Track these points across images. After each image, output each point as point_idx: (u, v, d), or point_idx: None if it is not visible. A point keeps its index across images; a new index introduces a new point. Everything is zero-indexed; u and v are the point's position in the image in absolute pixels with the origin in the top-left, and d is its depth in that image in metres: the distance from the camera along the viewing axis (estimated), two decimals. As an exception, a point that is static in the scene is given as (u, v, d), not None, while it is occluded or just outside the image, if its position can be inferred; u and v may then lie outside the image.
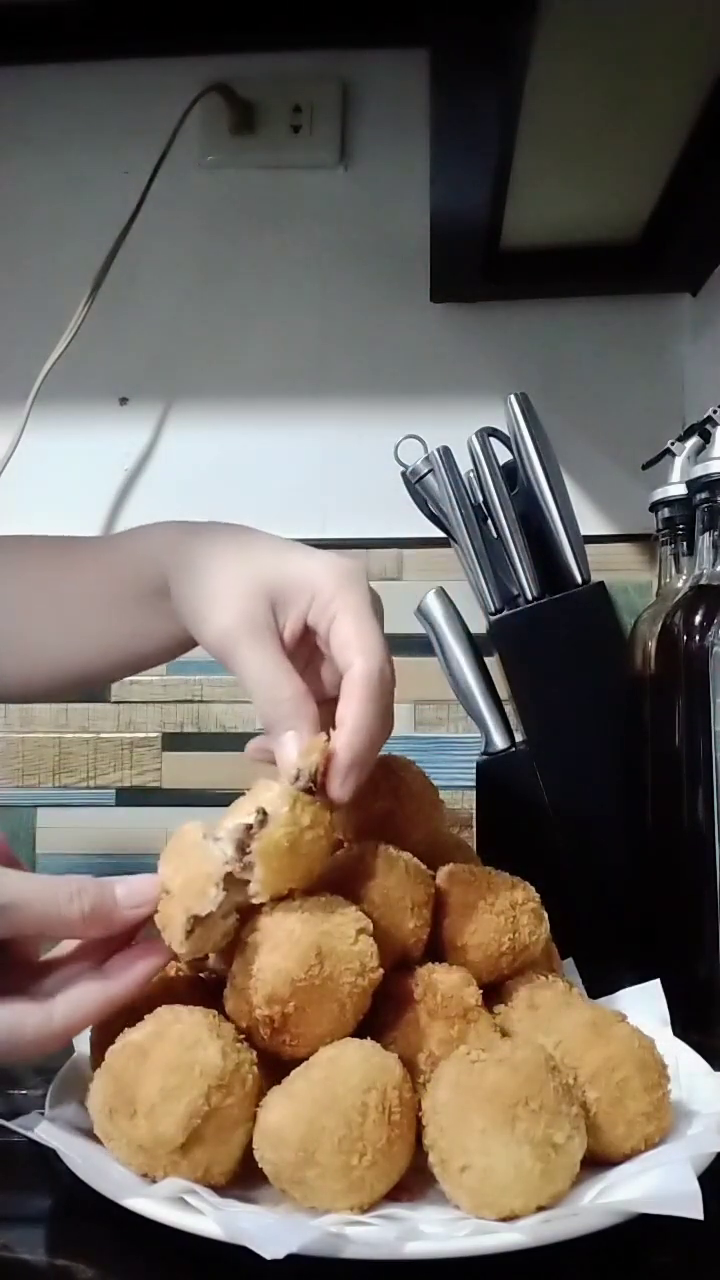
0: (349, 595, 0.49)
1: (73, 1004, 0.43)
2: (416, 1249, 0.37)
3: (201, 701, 0.98)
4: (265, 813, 0.44)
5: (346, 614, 0.48)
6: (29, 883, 0.44)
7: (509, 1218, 0.38)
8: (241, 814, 0.45)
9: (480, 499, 0.74)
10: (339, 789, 0.46)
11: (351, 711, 0.46)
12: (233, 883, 0.44)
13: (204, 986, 0.48)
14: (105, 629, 0.59)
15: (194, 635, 0.52)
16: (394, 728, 0.49)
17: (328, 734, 0.47)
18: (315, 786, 0.45)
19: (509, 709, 0.73)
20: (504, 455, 0.76)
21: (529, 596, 0.71)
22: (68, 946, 0.47)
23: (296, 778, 0.45)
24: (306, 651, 0.51)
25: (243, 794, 0.48)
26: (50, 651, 0.61)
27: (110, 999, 0.44)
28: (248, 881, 0.44)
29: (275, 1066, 0.43)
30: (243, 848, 0.44)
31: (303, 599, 0.49)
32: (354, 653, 0.47)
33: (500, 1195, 0.38)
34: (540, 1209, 0.39)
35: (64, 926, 0.44)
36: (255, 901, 0.44)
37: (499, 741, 0.72)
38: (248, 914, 0.45)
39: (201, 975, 0.49)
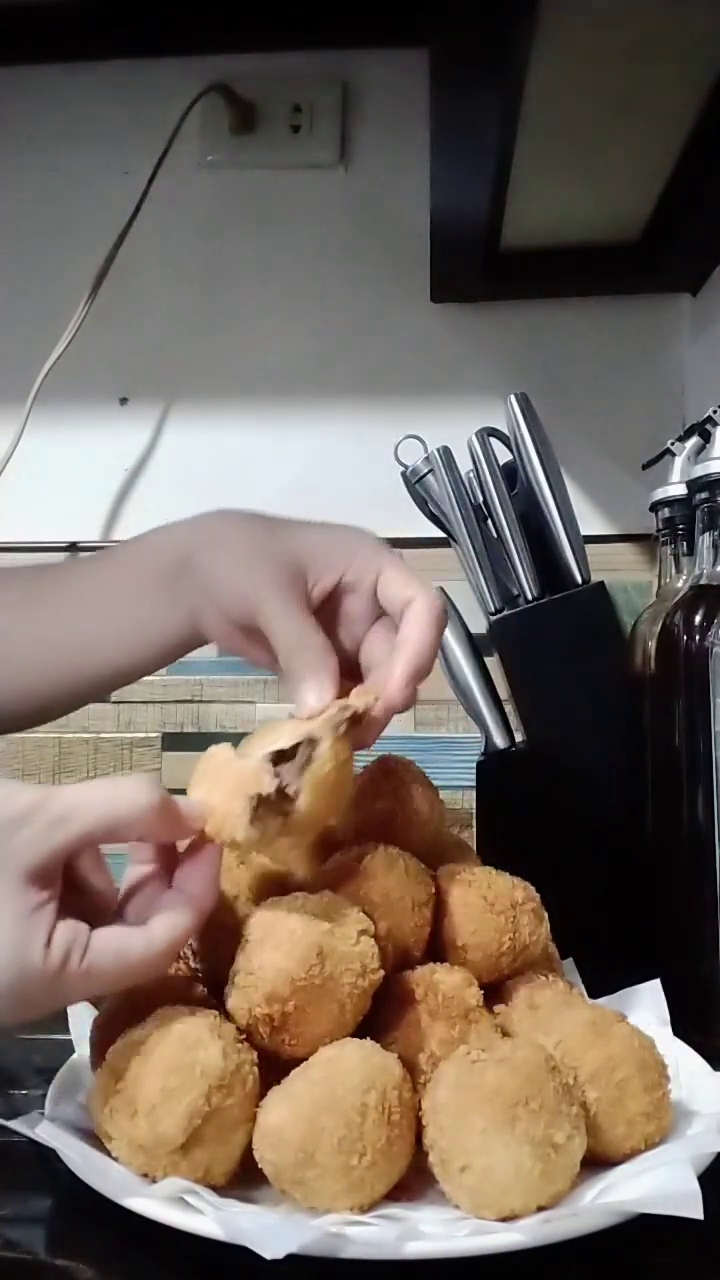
0: (387, 553, 0.54)
1: (167, 923, 0.43)
2: (416, 1249, 0.37)
3: (201, 701, 0.98)
4: (313, 742, 0.45)
5: (392, 566, 0.53)
6: (86, 786, 0.43)
7: (509, 1218, 0.38)
8: (269, 743, 0.46)
9: (480, 499, 0.74)
10: (401, 697, 0.49)
11: (415, 632, 0.50)
12: (268, 806, 0.44)
13: (204, 986, 0.48)
14: (109, 625, 0.59)
15: (216, 603, 0.54)
16: (401, 717, 0.52)
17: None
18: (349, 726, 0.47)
19: (509, 709, 0.73)
20: (504, 455, 0.76)
21: (529, 596, 0.71)
22: (133, 877, 0.46)
23: (339, 715, 0.46)
24: (327, 616, 0.54)
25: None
26: (41, 671, 0.61)
27: (200, 910, 0.44)
28: (284, 808, 0.45)
29: (276, 1067, 0.43)
30: (277, 773, 0.45)
31: (339, 561, 0.53)
32: (413, 590, 0.51)
33: (500, 1195, 0.38)
34: (540, 1209, 0.39)
35: (131, 820, 0.43)
36: (294, 826, 0.45)
37: (499, 741, 0.72)
38: (249, 913, 0.46)
39: (201, 976, 0.49)
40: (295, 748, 0.45)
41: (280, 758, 0.45)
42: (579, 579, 0.71)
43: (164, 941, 0.42)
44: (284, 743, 0.45)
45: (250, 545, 0.54)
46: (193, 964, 0.48)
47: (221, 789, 0.45)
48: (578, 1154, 0.40)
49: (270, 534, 0.54)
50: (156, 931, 0.42)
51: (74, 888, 0.43)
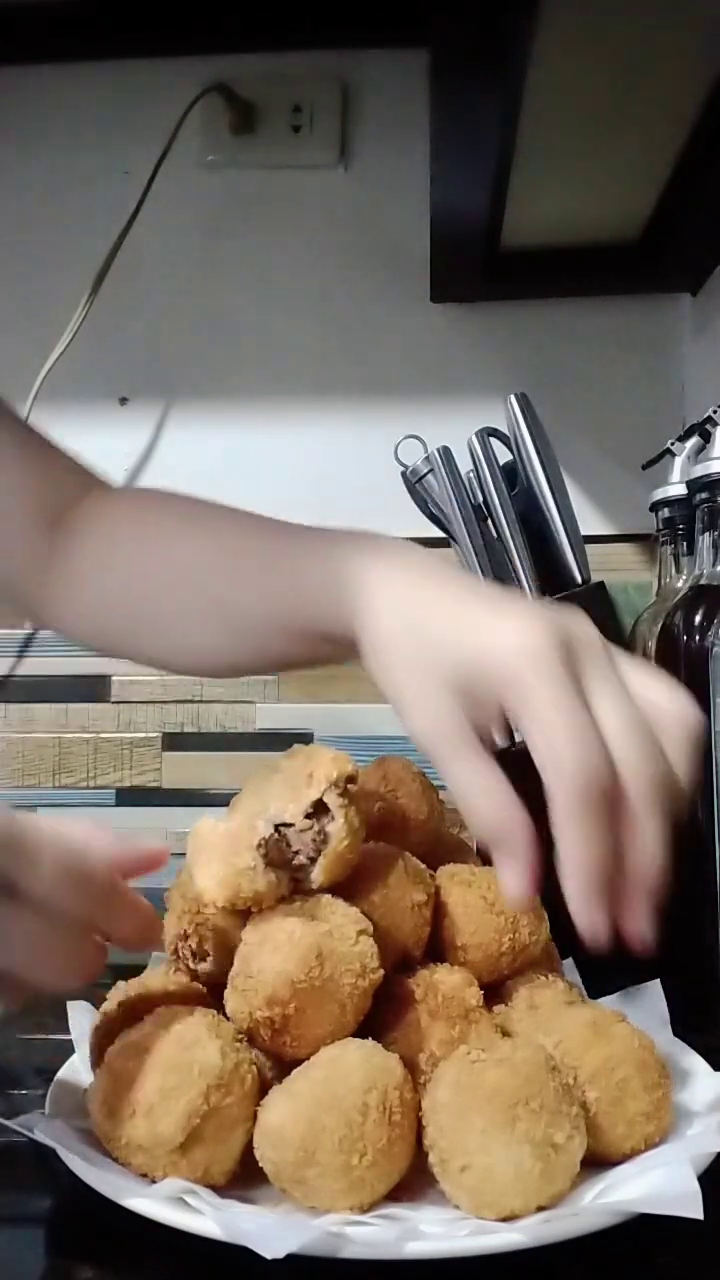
0: (535, 689, 0.40)
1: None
2: (416, 1249, 0.37)
3: (201, 701, 0.98)
4: (326, 833, 0.45)
5: (532, 718, 0.41)
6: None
7: (509, 1218, 0.38)
8: (256, 804, 0.46)
9: (480, 499, 0.74)
10: (584, 923, 0.40)
11: (560, 836, 0.40)
12: (276, 853, 0.45)
13: (204, 987, 0.48)
14: (268, 644, 0.55)
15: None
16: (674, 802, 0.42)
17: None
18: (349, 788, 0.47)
19: (509, 709, 0.73)
20: (504, 455, 0.76)
21: (529, 596, 0.70)
22: None
23: (338, 786, 0.46)
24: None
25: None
26: (201, 649, 0.59)
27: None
28: (294, 874, 0.46)
29: (276, 1066, 0.43)
30: (279, 854, 0.45)
31: (491, 694, 0.42)
32: (543, 766, 0.40)
33: (500, 1195, 0.38)
34: (540, 1209, 0.39)
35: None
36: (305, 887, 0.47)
37: (499, 741, 0.72)
38: (246, 915, 0.46)
39: (200, 977, 0.49)
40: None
41: (282, 826, 0.46)
42: (579, 579, 0.71)
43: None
44: (274, 808, 0.46)
45: (405, 671, 0.44)
46: (192, 965, 0.48)
47: (218, 857, 0.45)
48: (578, 1154, 0.40)
49: (422, 647, 0.44)
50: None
51: None
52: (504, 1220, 0.38)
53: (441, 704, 0.43)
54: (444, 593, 0.45)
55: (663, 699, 0.42)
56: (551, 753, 0.40)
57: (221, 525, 0.58)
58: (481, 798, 0.42)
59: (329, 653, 0.51)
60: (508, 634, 0.42)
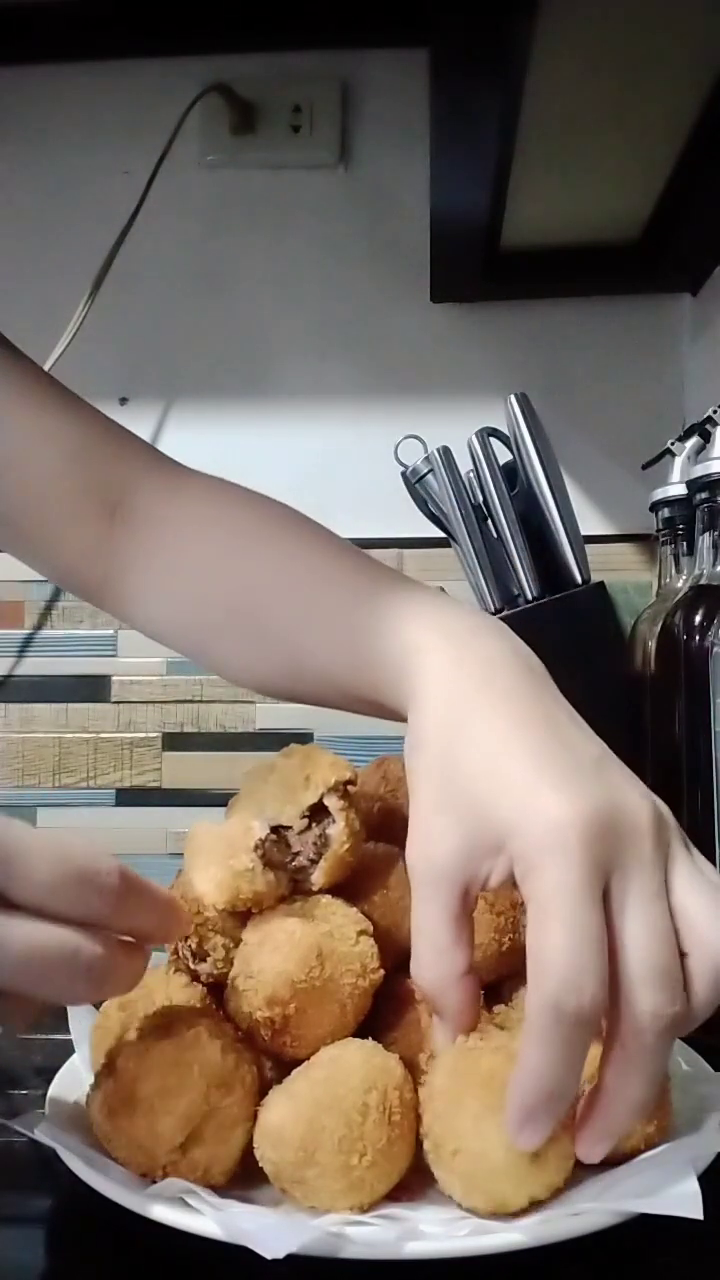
0: (546, 876, 0.35)
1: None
2: (416, 1249, 0.37)
3: (201, 701, 0.98)
4: (327, 836, 0.46)
5: (533, 906, 0.35)
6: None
7: (501, 1207, 0.38)
8: (254, 806, 0.46)
9: (480, 499, 0.74)
10: (521, 1140, 0.36)
11: (522, 1047, 0.35)
12: (272, 853, 0.45)
13: (204, 987, 0.48)
14: (325, 693, 0.53)
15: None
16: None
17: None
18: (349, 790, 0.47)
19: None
20: (504, 455, 0.76)
21: (529, 596, 0.71)
22: None
23: (337, 790, 0.46)
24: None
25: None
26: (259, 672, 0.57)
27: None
28: (294, 876, 0.46)
29: (276, 1066, 0.43)
30: (277, 855, 0.45)
31: (502, 859, 0.37)
32: (532, 968, 0.35)
33: (490, 1180, 0.38)
34: (534, 1201, 0.39)
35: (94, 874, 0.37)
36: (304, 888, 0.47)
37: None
38: (246, 916, 0.46)
39: (200, 977, 0.49)
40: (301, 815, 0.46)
41: (280, 828, 0.46)
42: (579, 579, 0.72)
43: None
44: (270, 811, 0.46)
45: (425, 793, 0.40)
46: (192, 965, 0.48)
47: (216, 859, 0.45)
48: (570, 1145, 0.40)
49: (447, 780, 0.39)
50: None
51: None
52: (496, 1210, 0.38)
53: (442, 840, 0.38)
54: (497, 714, 0.40)
55: (705, 923, 0.36)
56: (538, 953, 0.35)
57: (294, 551, 0.55)
58: (428, 951, 0.39)
59: (388, 716, 0.48)
60: (542, 803, 0.36)
